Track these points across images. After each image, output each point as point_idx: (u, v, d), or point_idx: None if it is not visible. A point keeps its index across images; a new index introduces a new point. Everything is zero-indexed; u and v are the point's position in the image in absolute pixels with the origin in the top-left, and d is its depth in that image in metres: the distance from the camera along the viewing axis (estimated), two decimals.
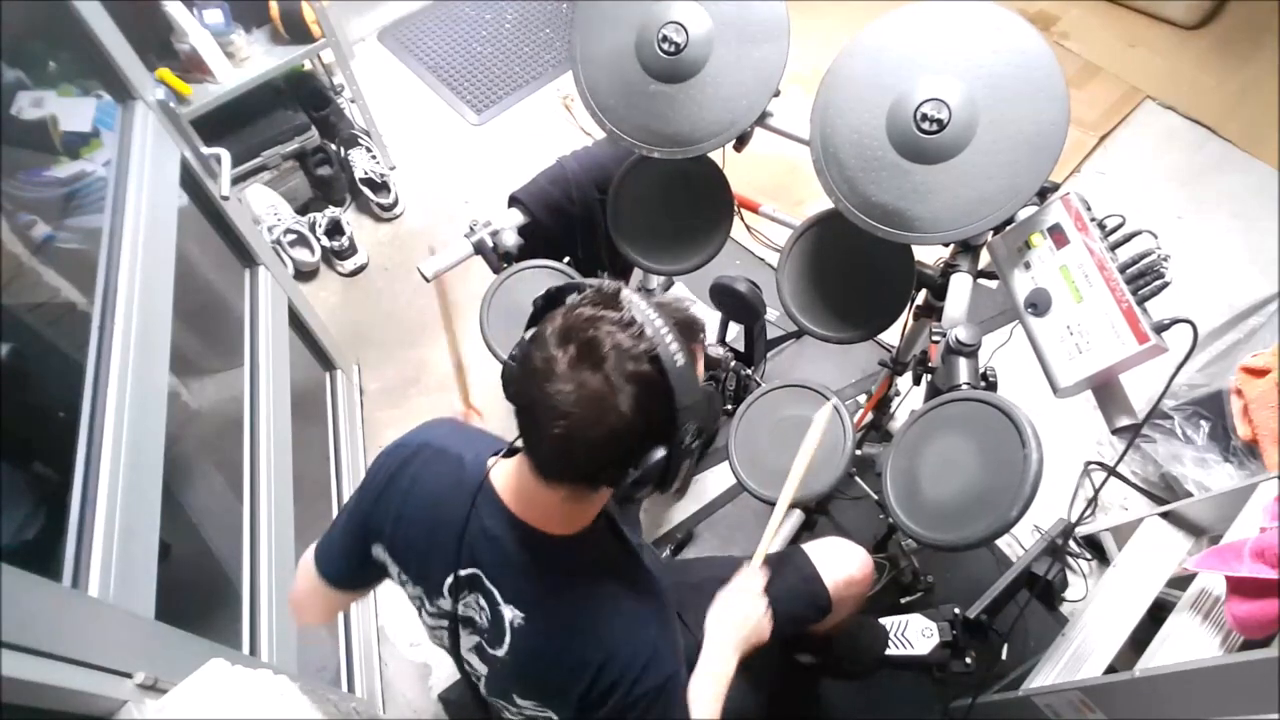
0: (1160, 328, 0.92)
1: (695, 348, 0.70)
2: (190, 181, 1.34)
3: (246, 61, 1.89)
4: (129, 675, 0.74)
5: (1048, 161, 0.97)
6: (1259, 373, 1.49)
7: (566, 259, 1.40)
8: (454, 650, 0.86)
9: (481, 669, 0.84)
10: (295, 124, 2.12)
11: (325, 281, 2.22)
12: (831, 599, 1.13)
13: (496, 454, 0.79)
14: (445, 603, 0.81)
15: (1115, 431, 0.97)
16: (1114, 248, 0.98)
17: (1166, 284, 0.93)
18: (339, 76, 2.29)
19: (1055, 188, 1.04)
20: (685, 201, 1.34)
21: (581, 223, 1.47)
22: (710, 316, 1.53)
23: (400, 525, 0.82)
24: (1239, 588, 0.99)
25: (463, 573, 0.78)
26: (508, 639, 0.77)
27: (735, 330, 1.68)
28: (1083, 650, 1.23)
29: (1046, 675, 1.23)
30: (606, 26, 1.18)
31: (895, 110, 1.02)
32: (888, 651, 1.38)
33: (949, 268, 1.17)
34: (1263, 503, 1.13)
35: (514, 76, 2.61)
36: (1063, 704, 1.18)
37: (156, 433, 1.01)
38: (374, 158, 2.30)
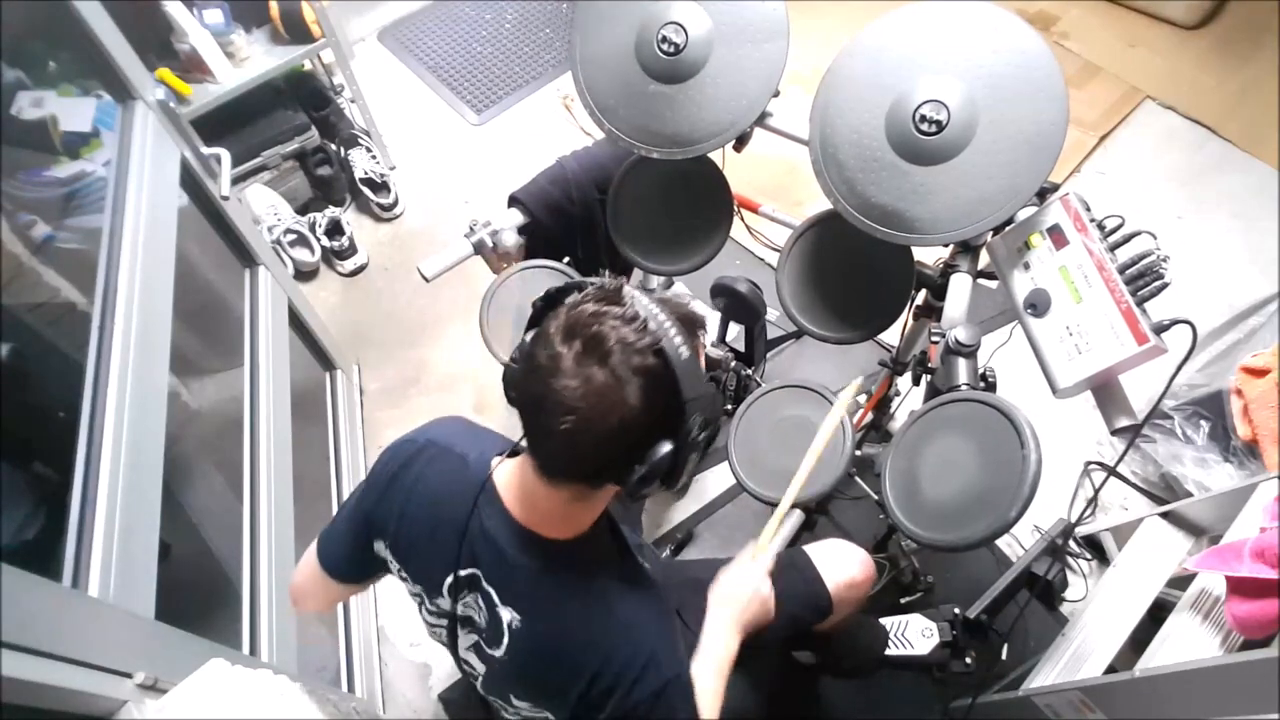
0: (1160, 328, 0.92)
1: (696, 344, 0.70)
2: (190, 181, 1.34)
3: (246, 61, 1.89)
4: (129, 675, 0.74)
5: (1047, 162, 0.97)
6: (1259, 373, 1.49)
7: (566, 259, 1.40)
8: (452, 648, 0.86)
9: (479, 668, 0.84)
10: (295, 124, 2.12)
11: (325, 281, 2.22)
12: (832, 600, 1.13)
13: (501, 454, 0.79)
14: (444, 602, 0.81)
15: (1115, 432, 0.96)
16: (1113, 248, 0.98)
17: (1166, 285, 0.93)
18: (339, 76, 2.29)
19: (1055, 188, 1.04)
20: (685, 202, 1.34)
21: (581, 223, 1.47)
22: (710, 315, 1.53)
23: (403, 523, 0.82)
24: (1239, 588, 0.99)
25: (462, 573, 0.78)
26: (505, 640, 0.77)
27: (735, 330, 1.68)
28: (1083, 650, 1.23)
29: (1046, 675, 1.23)
30: (606, 27, 1.18)
31: (895, 111, 1.02)
32: (887, 651, 1.38)
33: (948, 268, 1.17)
34: (1263, 503, 1.13)
35: (514, 76, 2.60)
36: (1063, 704, 1.18)
37: (156, 433, 1.01)
38: (374, 158, 2.30)
